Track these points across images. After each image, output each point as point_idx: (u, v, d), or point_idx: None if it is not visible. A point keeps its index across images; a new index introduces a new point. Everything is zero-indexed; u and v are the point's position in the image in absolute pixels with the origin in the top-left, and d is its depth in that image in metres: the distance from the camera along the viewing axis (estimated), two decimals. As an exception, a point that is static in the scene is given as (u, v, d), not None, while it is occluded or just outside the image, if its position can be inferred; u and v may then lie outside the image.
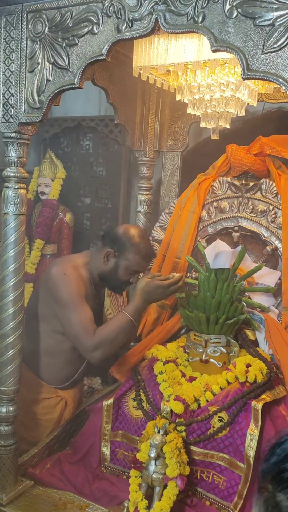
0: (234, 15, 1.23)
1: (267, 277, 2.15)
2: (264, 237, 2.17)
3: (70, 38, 1.49)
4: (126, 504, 1.71)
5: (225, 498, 1.70)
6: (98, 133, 3.20)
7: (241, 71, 1.21)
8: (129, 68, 2.07)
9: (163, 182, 2.69)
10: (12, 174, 1.70)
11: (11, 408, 1.84)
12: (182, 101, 1.91)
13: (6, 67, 1.63)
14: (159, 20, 1.32)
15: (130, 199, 3.25)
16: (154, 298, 2.00)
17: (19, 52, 1.60)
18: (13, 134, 1.67)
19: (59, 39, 1.52)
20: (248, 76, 1.20)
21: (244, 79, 1.21)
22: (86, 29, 1.46)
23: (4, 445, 1.83)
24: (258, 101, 2.06)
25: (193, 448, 1.77)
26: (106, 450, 1.99)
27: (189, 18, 1.28)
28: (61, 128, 3.33)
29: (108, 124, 3.11)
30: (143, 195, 2.62)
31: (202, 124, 1.97)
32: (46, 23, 1.54)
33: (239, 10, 1.22)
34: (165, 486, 1.68)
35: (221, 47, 1.24)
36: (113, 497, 1.88)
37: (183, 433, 1.77)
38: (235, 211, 2.24)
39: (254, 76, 1.20)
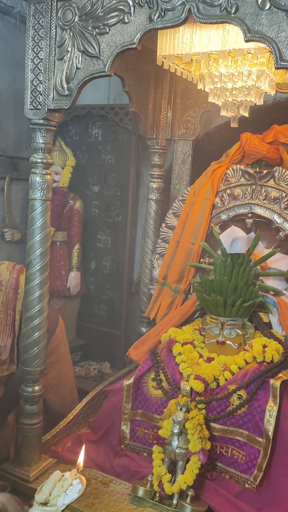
0: (267, 7, 1.28)
1: (280, 262, 2.22)
2: (277, 223, 2.24)
3: (101, 27, 1.53)
4: (150, 478, 1.79)
5: (245, 471, 1.79)
6: (107, 121, 3.23)
7: (274, 61, 1.26)
8: (145, 57, 2.11)
9: (175, 170, 2.74)
10: (39, 160, 1.74)
11: (36, 388, 1.90)
12: (203, 89, 1.96)
13: (34, 55, 1.66)
14: (192, 11, 1.36)
15: (139, 187, 3.29)
16: None
17: (48, 40, 1.64)
18: (41, 121, 1.70)
19: (89, 28, 1.56)
20: (282, 66, 1.25)
21: (277, 68, 1.26)
22: (117, 19, 1.50)
23: (29, 424, 1.90)
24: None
25: (213, 424, 1.84)
26: (126, 428, 2.06)
27: (222, 9, 1.33)
28: (70, 116, 3.35)
29: (118, 112, 3.14)
30: (155, 182, 2.66)
31: (223, 113, 2.02)
32: (76, 11, 1.57)
33: (272, 2, 1.28)
34: (188, 460, 1.75)
35: (254, 38, 1.29)
36: (134, 472, 1.95)
37: (203, 411, 1.84)
38: (248, 198, 2.30)
39: (287, 66, 1.25)
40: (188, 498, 1.70)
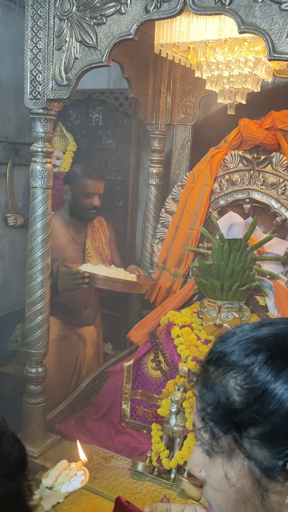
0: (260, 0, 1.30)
1: (277, 246, 2.26)
2: (274, 208, 2.27)
3: (98, 17, 1.55)
4: (149, 454, 1.88)
5: (239, 447, 1.87)
6: (107, 106, 3.23)
7: (267, 53, 1.29)
8: (144, 43, 2.12)
9: (174, 155, 2.76)
10: (39, 149, 1.77)
11: (40, 369, 1.97)
12: (200, 77, 1.97)
13: (33, 45, 1.68)
14: (187, 2, 1.38)
15: (139, 172, 3.31)
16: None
17: (46, 30, 1.66)
18: (41, 111, 1.73)
19: (87, 18, 1.58)
20: (274, 58, 1.28)
21: (270, 60, 1.29)
22: (113, 9, 1.52)
23: (34, 403, 1.98)
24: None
25: (209, 403, 1.92)
26: (126, 407, 2.15)
27: (216, 1, 1.34)
28: (70, 101, 3.35)
29: (118, 97, 3.14)
30: (155, 168, 2.69)
31: (219, 100, 2.04)
32: (74, 2, 1.59)
33: (265, -6, 1.29)
34: (185, 437, 1.84)
35: (247, 29, 1.31)
36: (134, 449, 2.05)
37: (200, 391, 1.92)
38: (246, 183, 2.34)
39: (279, 58, 1.28)
40: (185, 473, 1.79)
